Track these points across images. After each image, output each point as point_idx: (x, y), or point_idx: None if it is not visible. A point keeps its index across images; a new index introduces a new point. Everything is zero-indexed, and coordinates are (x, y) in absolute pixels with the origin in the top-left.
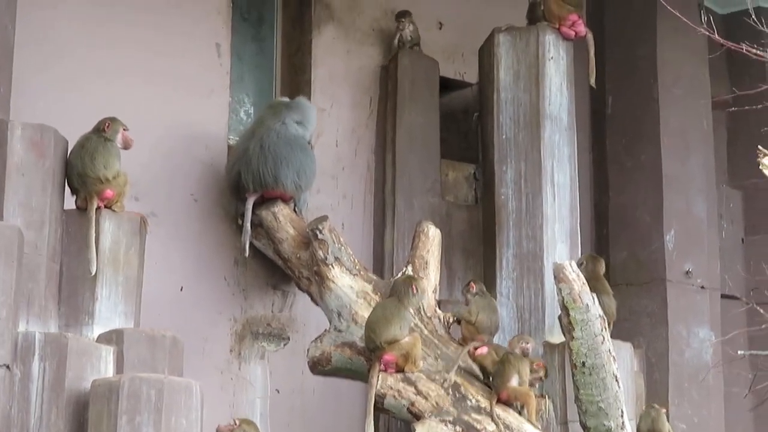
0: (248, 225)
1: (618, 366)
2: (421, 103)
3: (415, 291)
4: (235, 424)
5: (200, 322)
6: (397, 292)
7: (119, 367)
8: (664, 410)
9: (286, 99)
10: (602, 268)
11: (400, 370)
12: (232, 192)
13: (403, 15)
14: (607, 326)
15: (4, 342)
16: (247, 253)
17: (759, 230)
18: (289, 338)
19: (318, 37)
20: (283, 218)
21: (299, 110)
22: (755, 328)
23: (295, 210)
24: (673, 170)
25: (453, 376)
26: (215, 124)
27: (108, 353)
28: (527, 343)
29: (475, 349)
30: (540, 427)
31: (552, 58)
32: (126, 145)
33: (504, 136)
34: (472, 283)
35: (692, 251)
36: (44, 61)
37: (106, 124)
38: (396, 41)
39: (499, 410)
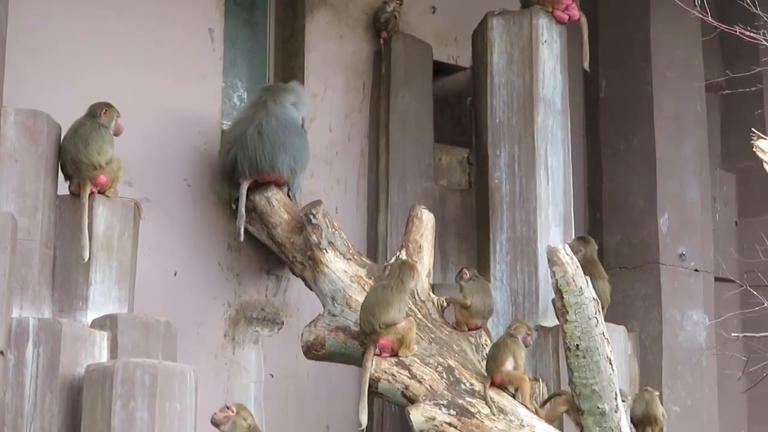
0: (243, 210)
1: (612, 349)
2: (414, 87)
3: (414, 276)
4: (232, 412)
5: (194, 307)
6: (398, 275)
7: (113, 353)
8: (657, 393)
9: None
10: (595, 250)
11: (394, 354)
12: (225, 177)
13: None
14: (600, 309)
15: None
16: (241, 238)
17: (752, 213)
18: (283, 323)
19: (311, 21)
20: (276, 203)
21: (295, 92)
22: (749, 310)
23: (288, 195)
24: (666, 154)
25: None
26: (208, 109)
27: (102, 338)
28: (529, 335)
29: None
30: (534, 410)
31: (545, 41)
32: (117, 132)
33: (497, 120)
34: (464, 270)
35: (686, 234)
36: (37, 48)
37: (103, 110)
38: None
39: (492, 393)
